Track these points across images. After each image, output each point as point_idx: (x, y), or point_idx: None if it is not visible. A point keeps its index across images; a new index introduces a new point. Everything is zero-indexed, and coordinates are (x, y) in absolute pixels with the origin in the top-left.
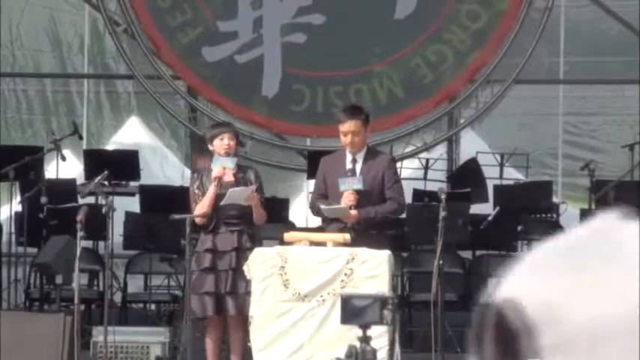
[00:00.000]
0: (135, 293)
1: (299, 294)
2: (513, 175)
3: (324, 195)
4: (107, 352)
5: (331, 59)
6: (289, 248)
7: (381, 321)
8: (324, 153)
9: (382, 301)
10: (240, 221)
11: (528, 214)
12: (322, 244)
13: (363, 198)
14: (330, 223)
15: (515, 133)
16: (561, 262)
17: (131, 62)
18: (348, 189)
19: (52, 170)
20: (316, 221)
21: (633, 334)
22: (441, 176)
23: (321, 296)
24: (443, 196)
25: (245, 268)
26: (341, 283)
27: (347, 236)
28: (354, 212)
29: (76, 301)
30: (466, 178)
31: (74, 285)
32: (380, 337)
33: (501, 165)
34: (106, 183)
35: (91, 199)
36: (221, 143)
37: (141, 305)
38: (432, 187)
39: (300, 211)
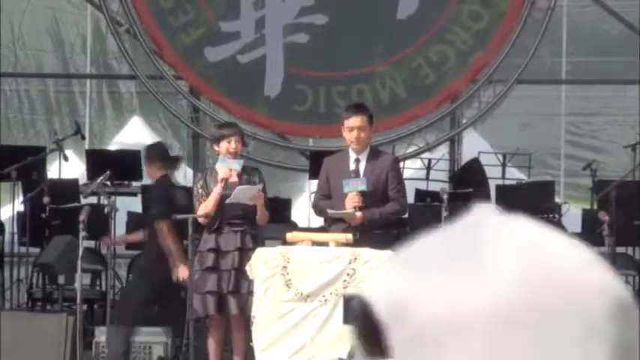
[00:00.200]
0: None
1: (301, 294)
2: (515, 175)
3: (327, 195)
4: (109, 352)
5: (333, 59)
6: (291, 248)
7: None
8: (326, 153)
9: None
10: (244, 221)
11: (530, 214)
12: (324, 244)
13: (366, 198)
14: (333, 223)
15: (517, 133)
16: (418, 259)
17: (133, 62)
18: (353, 190)
19: (55, 170)
20: (318, 221)
21: (486, 328)
22: (443, 176)
23: (324, 296)
24: (445, 197)
25: (247, 268)
26: (343, 283)
27: (349, 236)
28: (358, 214)
29: (78, 301)
30: (468, 178)
31: (76, 285)
32: None
33: (503, 165)
34: (109, 183)
35: (93, 199)
36: (228, 146)
37: None
38: (434, 187)
39: (302, 211)
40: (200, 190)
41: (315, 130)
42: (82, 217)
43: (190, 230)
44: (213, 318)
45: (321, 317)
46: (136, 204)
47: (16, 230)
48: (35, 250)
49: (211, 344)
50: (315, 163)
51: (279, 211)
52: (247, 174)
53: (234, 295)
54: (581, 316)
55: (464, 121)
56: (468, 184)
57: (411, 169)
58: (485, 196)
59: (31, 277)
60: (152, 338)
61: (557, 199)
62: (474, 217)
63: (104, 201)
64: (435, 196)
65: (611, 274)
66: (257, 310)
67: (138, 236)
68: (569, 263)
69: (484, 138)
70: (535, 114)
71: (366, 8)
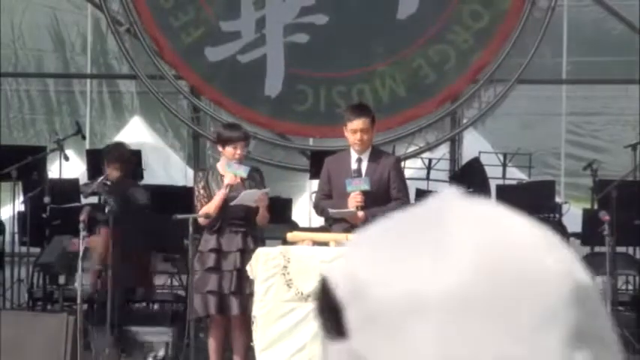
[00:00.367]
0: (138, 293)
1: (302, 294)
2: (516, 174)
3: (328, 195)
4: (110, 352)
5: (334, 59)
6: (292, 248)
7: None
8: (326, 153)
9: None
10: (245, 222)
11: (531, 214)
12: (325, 243)
13: (368, 198)
14: (334, 222)
15: (517, 132)
16: (378, 240)
17: (134, 62)
18: (355, 189)
19: (55, 170)
20: (319, 221)
21: (443, 309)
22: (443, 176)
23: None
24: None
25: (248, 267)
26: None
27: (350, 236)
28: (360, 213)
29: (78, 300)
30: (469, 178)
31: (77, 285)
32: None
33: (504, 165)
34: (109, 183)
35: (93, 199)
36: (234, 151)
37: (144, 305)
38: (434, 187)
39: (302, 211)
40: (202, 191)
41: (315, 130)
42: (83, 216)
43: (191, 230)
44: (214, 318)
45: None
46: None
47: (16, 230)
48: (36, 250)
49: (212, 344)
50: (316, 162)
51: (280, 210)
52: (249, 175)
53: (236, 296)
54: (540, 302)
55: (464, 120)
56: (468, 184)
57: (411, 168)
58: (486, 196)
59: (31, 277)
60: (153, 338)
61: (557, 199)
62: (437, 201)
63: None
64: None
65: (573, 258)
66: (257, 310)
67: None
68: (530, 248)
69: (485, 138)
70: (536, 114)
71: (367, 8)
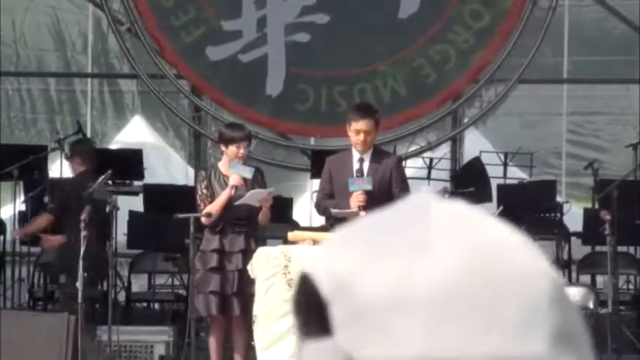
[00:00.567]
0: (139, 292)
1: None
2: (517, 174)
3: (329, 194)
4: (111, 351)
5: (335, 59)
6: (293, 247)
7: None
8: (327, 152)
9: None
10: (247, 223)
11: (532, 214)
12: None
13: (370, 198)
14: (336, 222)
15: (518, 132)
16: (362, 237)
17: (135, 61)
18: (358, 189)
19: (56, 169)
20: (320, 220)
21: (428, 307)
22: (444, 176)
23: None
24: (446, 196)
25: (249, 267)
26: None
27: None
28: (362, 213)
29: (79, 300)
30: (470, 177)
31: (78, 284)
32: None
33: (505, 164)
34: (110, 182)
35: None
36: (237, 151)
37: (145, 304)
38: (435, 186)
39: (303, 211)
40: (205, 191)
41: (316, 129)
42: (84, 216)
43: (192, 229)
44: (216, 318)
45: None
46: (137, 203)
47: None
48: (36, 250)
49: (212, 343)
50: (317, 162)
51: (281, 210)
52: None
53: (238, 296)
54: (525, 300)
55: (465, 120)
56: (469, 184)
57: (412, 168)
58: (487, 196)
59: (32, 277)
60: (153, 337)
61: (558, 199)
62: (417, 200)
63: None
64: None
65: (546, 259)
66: (258, 310)
67: (57, 239)
68: (512, 247)
69: (485, 137)
70: (536, 113)
71: (368, 7)
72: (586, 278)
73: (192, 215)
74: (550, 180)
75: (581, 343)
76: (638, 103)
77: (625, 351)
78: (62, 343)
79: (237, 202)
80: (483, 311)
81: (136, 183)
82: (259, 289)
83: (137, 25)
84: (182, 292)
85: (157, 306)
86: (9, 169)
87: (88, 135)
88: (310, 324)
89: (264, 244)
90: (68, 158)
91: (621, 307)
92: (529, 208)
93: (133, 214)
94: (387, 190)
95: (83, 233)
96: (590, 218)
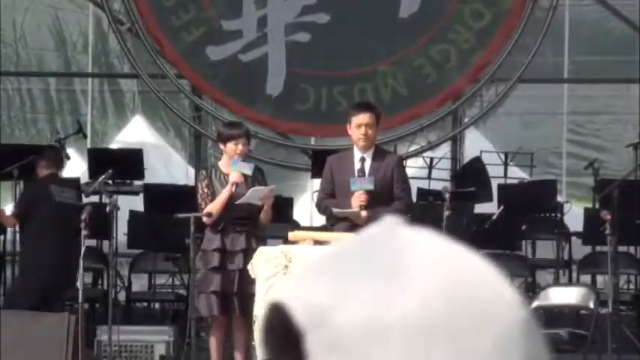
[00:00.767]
0: (139, 292)
1: None
2: (517, 174)
3: (330, 194)
4: (111, 351)
5: (335, 58)
6: (293, 247)
7: None
8: (328, 152)
9: None
10: (248, 222)
11: (532, 213)
12: (327, 243)
13: (371, 197)
14: (336, 222)
15: (519, 132)
16: (336, 266)
17: (135, 61)
18: (360, 189)
19: None
20: (320, 220)
21: (405, 337)
22: (445, 175)
23: None
24: (447, 195)
25: (249, 267)
26: None
27: (351, 235)
28: (363, 213)
29: (80, 300)
30: (470, 177)
31: (78, 284)
32: None
33: (505, 164)
34: (110, 182)
35: (95, 198)
36: (235, 148)
37: (145, 304)
38: (436, 186)
39: (304, 210)
40: (205, 190)
41: (316, 129)
42: (84, 216)
43: (192, 229)
44: (217, 318)
45: None
46: (137, 203)
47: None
48: None
49: (213, 343)
50: (318, 161)
51: (281, 210)
52: (252, 174)
53: (239, 296)
54: (495, 331)
55: (466, 120)
56: (469, 183)
57: (412, 167)
58: (487, 195)
59: None
60: (154, 337)
61: (559, 198)
62: (385, 228)
63: (106, 200)
64: (437, 195)
65: (514, 289)
66: (259, 310)
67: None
68: (486, 277)
69: (486, 137)
70: (537, 113)
71: (368, 7)
72: (586, 278)
73: (192, 215)
74: (550, 180)
75: None
76: (638, 103)
77: (625, 351)
78: (62, 343)
79: (238, 201)
80: (461, 341)
81: (137, 183)
82: (260, 289)
83: (138, 25)
84: (182, 291)
85: (157, 306)
86: (9, 169)
87: (89, 135)
88: (283, 356)
89: (264, 243)
90: (35, 161)
91: (622, 307)
92: (529, 207)
93: (133, 214)
94: (388, 190)
95: (84, 233)
96: (591, 218)
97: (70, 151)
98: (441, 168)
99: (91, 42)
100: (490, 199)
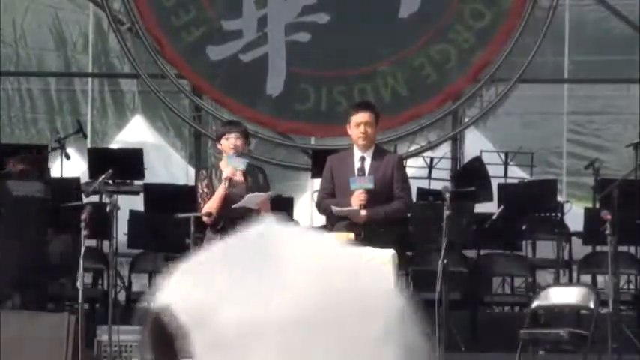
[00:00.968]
0: (139, 292)
1: None
2: (518, 174)
3: (330, 194)
4: (111, 351)
5: (335, 58)
6: None
7: None
8: (328, 152)
9: None
10: (247, 221)
11: (533, 213)
12: None
13: (371, 197)
14: (336, 221)
15: (519, 131)
16: (215, 267)
17: (135, 61)
18: (360, 188)
19: (57, 169)
20: (320, 220)
21: (283, 333)
22: (445, 175)
23: None
24: (447, 195)
25: None
26: None
27: (351, 235)
28: (363, 212)
29: (80, 300)
30: (470, 177)
31: (78, 284)
32: None
33: (506, 164)
34: (111, 182)
35: (95, 198)
36: (227, 143)
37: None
38: (436, 186)
39: (304, 210)
40: (205, 190)
41: (317, 129)
42: (84, 216)
43: (192, 229)
44: None
45: None
46: (138, 203)
47: None
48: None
49: None
50: (318, 161)
51: (282, 210)
52: (251, 174)
53: None
54: (373, 322)
55: (466, 119)
56: (470, 183)
57: (413, 167)
58: (487, 195)
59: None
60: None
61: (559, 198)
62: (261, 229)
63: (106, 200)
64: (437, 195)
65: (391, 281)
66: None
67: None
68: (357, 272)
69: (486, 137)
70: (537, 113)
71: (368, 7)
72: (587, 278)
73: (192, 215)
74: (551, 180)
75: (424, 356)
76: (638, 103)
77: (625, 351)
78: (62, 343)
79: (234, 206)
80: (340, 334)
81: (137, 182)
82: None
83: (138, 25)
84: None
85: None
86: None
87: (89, 135)
88: (165, 356)
89: None
90: (8, 157)
91: (622, 307)
92: (530, 207)
93: (133, 214)
94: (388, 189)
95: (84, 233)
96: (591, 218)
97: (70, 151)
98: (441, 168)
99: (91, 42)
100: (490, 199)
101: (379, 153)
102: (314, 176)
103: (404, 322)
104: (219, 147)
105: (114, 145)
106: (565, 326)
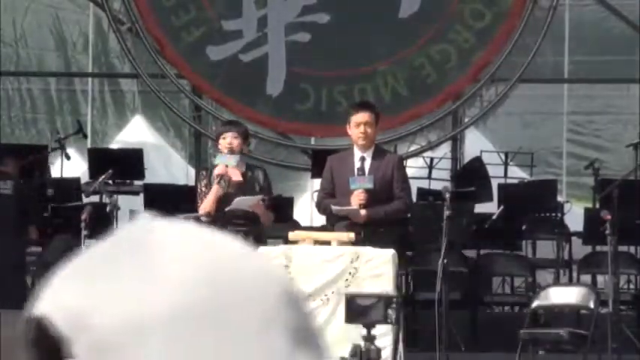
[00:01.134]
0: None
1: (304, 293)
2: (518, 174)
3: (330, 194)
4: None
5: (335, 58)
6: (294, 247)
7: (385, 320)
8: (328, 152)
9: (386, 300)
10: (246, 222)
11: (532, 213)
12: (327, 243)
13: (371, 196)
14: (336, 221)
15: (519, 131)
16: (90, 269)
17: (135, 61)
18: (359, 188)
19: (57, 169)
20: (321, 220)
21: (164, 328)
22: (445, 175)
23: (325, 295)
24: (447, 195)
25: None
26: (345, 282)
27: (351, 235)
28: (363, 212)
29: None
30: (470, 177)
31: None
32: (384, 336)
33: (506, 164)
34: (111, 182)
35: (95, 198)
36: (224, 142)
37: None
38: (436, 186)
39: (304, 210)
40: (204, 189)
41: (317, 129)
42: (84, 215)
43: None
44: None
45: (322, 316)
46: (138, 203)
47: None
48: (37, 249)
49: None
50: (318, 161)
51: (282, 210)
52: (251, 172)
53: None
54: (257, 308)
55: (466, 119)
56: (470, 183)
57: (413, 167)
58: (487, 195)
59: (33, 276)
60: None
61: (559, 198)
62: (138, 226)
63: (106, 200)
64: (437, 194)
65: (274, 264)
66: None
67: None
68: (237, 259)
69: (486, 137)
70: (537, 113)
71: (368, 7)
72: (587, 278)
73: (192, 215)
74: (551, 180)
75: (315, 339)
76: (638, 103)
77: (625, 351)
78: None
79: (227, 209)
80: (223, 324)
81: (137, 182)
82: None
83: (138, 25)
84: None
85: None
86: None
87: (89, 135)
88: None
89: (264, 243)
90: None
91: (622, 307)
92: (530, 207)
93: (133, 214)
94: (388, 189)
95: (84, 233)
96: (591, 218)
97: (70, 151)
98: (441, 168)
99: (91, 42)
100: (490, 199)
101: (379, 153)
102: (314, 176)
103: (289, 305)
104: (218, 147)
105: (114, 145)
106: (565, 326)
